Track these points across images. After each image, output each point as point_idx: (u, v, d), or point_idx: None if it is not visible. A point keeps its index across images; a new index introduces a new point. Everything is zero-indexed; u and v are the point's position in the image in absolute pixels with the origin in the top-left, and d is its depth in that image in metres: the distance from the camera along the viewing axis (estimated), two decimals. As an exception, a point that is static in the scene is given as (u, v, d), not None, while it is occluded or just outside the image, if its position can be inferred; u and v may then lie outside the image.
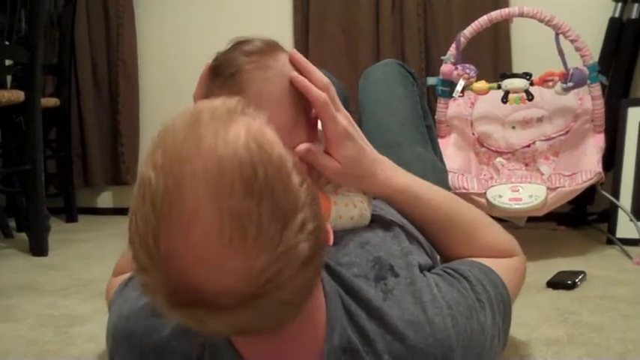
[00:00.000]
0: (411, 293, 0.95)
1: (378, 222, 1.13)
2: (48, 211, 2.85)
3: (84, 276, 2.33)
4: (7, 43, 2.66)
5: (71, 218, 3.58)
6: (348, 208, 1.09)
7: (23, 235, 3.02)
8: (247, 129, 0.71)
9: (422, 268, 1.03)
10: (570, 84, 2.36)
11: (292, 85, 1.00)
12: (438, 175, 1.68)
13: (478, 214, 1.25)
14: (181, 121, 0.73)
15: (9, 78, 3.34)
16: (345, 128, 1.06)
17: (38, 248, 2.72)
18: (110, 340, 1.08)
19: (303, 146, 1.04)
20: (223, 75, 1.01)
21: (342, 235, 1.06)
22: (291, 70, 1.02)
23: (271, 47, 1.04)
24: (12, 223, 3.25)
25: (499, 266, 1.12)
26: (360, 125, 1.39)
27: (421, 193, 1.18)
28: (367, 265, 0.98)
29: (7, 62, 3.27)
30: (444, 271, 1.06)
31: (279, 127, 0.95)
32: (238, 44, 1.05)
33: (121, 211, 3.80)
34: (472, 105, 2.75)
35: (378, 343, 0.90)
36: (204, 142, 0.69)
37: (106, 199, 3.90)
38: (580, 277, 1.93)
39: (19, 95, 2.69)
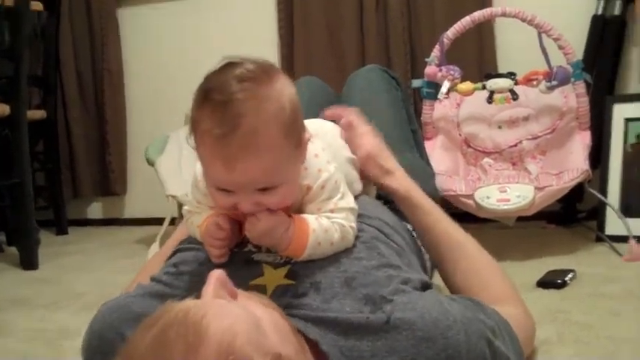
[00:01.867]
0: (414, 310, 0.94)
1: (360, 242, 1.11)
2: (37, 224, 2.84)
3: (75, 289, 2.33)
4: (-10, 56, 2.66)
5: (61, 230, 3.58)
6: (327, 234, 1.06)
7: (13, 249, 3.01)
8: (217, 353, 0.70)
9: (417, 286, 1.02)
10: (554, 82, 2.36)
11: (287, 112, 0.97)
12: (426, 180, 1.69)
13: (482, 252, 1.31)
14: (146, 341, 0.72)
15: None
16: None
17: (28, 262, 2.71)
18: (85, 356, 1.07)
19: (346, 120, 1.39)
20: (213, 101, 0.94)
21: (324, 271, 1.04)
22: (288, 97, 0.98)
23: (266, 72, 0.98)
24: (2, 237, 3.24)
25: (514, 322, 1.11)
26: None
27: (425, 204, 1.34)
28: (359, 303, 0.97)
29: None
30: (459, 297, 1.08)
31: (276, 162, 0.96)
32: (230, 66, 0.98)
33: (111, 222, 3.80)
34: (458, 106, 2.75)
35: None
36: None
37: (95, 209, 3.89)
38: (570, 275, 1.94)
39: (3, 109, 2.68)
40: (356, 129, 1.39)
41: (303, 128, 1.04)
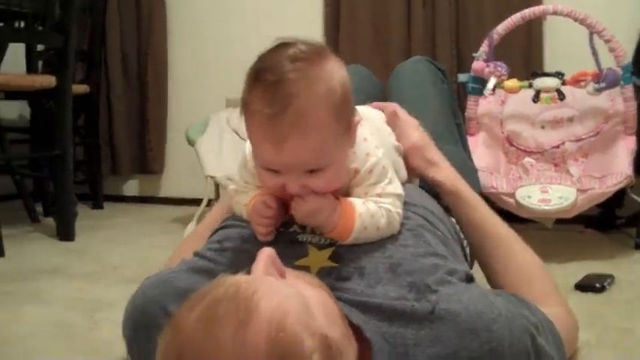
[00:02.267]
0: (460, 301, 0.93)
1: (407, 230, 1.10)
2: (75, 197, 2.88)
3: (110, 262, 2.36)
4: (41, 28, 2.68)
5: (97, 205, 3.61)
6: (374, 219, 1.05)
7: (50, 220, 3.05)
8: (267, 331, 0.70)
9: (462, 278, 1.02)
10: (603, 84, 2.33)
11: (338, 93, 0.97)
12: (469, 174, 1.67)
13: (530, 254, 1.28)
14: (196, 314, 0.73)
15: (40, 63, 3.37)
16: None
17: (65, 233, 2.74)
18: (127, 331, 1.08)
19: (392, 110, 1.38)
20: (265, 81, 0.94)
21: (369, 256, 1.03)
22: (339, 79, 0.97)
23: (318, 54, 0.97)
24: (39, 208, 3.28)
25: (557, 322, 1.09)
26: None
27: (472, 199, 1.32)
28: (403, 289, 0.97)
29: (39, 48, 3.30)
30: (503, 292, 1.07)
31: (325, 143, 0.96)
32: (282, 47, 0.97)
33: (146, 200, 3.83)
34: (502, 103, 2.73)
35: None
36: (223, 355, 0.69)
37: (132, 187, 3.93)
38: (608, 280, 1.92)
39: (50, 80, 2.71)
40: (401, 120, 1.38)
41: (353, 111, 1.03)
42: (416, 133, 1.38)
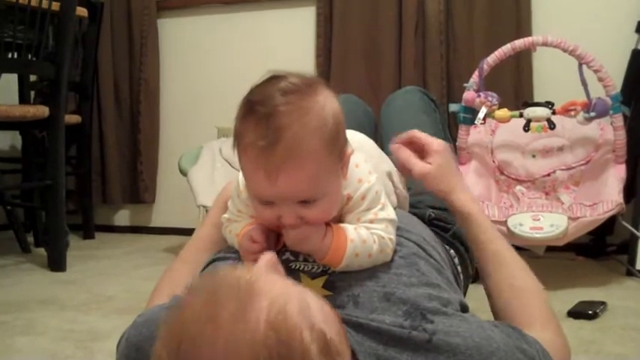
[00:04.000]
0: (457, 333, 0.93)
1: (400, 257, 1.09)
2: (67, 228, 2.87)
3: (103, 292, 2.34)
4: (34, 58, 2.70)
5: (88, 235, 3.60)
6: (366, 245, 1.04)
7: (41, 250, 3.04)
8: (267, 313, 0.70)
9: (457, 309, 1.01)
10: (593, 114, 2.36)
11: (330, 125, 0.97)
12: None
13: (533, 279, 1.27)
14: (198, 299, 0.73)
15: (32, 94, 3.38)
16: (443, 142, 1.31)
17: (57, 264, 2.73)
18: None
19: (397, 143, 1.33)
20: (257, 113, 0.94)
21: (363, 285, 1.02)
22: (331, 111, 0.98)
23: (310, 86, 0.98)
24: (30, 238, 3.26)
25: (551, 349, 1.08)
26: (383, 151, 1.41)
27: (482, 222, 1.30)
28: (399, 318, 0.96)
29: (31, 78, 3.32)
30: (501, 324, 1.07)
31: (318, 174, 0.96)
32: (274, 79, 0.98)
33: (138, 230, 3.82)
34: (493, 132, 2.75)
35: None
36: (221, 332, 0.69)
37: (123, 217, 3.92)
38: (601, 307, 1.92)
39: (43, 111, 2.72)
40: (423, 144, 1.35)
41: (346, 143, 1.03)
42: (432, 160, 1.32)
